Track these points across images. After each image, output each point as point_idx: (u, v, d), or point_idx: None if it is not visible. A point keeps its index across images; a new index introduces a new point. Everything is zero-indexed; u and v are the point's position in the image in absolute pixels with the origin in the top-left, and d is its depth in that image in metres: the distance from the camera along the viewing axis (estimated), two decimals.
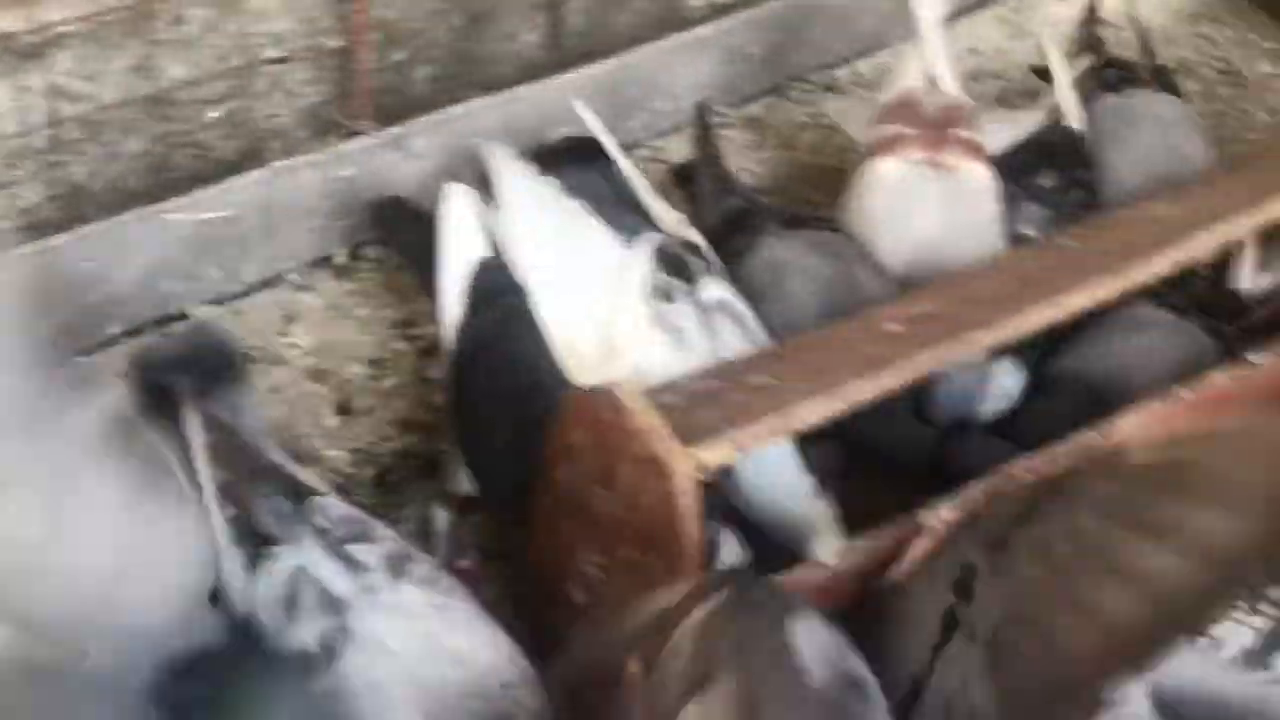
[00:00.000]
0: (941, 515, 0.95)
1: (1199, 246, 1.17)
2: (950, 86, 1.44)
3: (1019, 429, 1.28)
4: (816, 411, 0.93)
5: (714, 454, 0.89)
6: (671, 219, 1.31)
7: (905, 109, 1.41)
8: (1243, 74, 2.09)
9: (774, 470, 1.06)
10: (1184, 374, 1.22)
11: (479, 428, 1.18)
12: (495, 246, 1.20)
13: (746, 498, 1.05)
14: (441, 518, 1.23)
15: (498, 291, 1.18)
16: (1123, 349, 1.29)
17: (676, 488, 0.86)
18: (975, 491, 0.99)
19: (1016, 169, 1.44)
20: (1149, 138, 1.51)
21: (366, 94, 1.44)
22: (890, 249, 1.34)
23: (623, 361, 1.08)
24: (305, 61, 1.43)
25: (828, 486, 1.36)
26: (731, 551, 0.96)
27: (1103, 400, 1.23)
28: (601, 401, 0.93)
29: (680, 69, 1.73)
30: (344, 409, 1.38)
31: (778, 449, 1.04)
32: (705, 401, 0.94)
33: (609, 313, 1.14)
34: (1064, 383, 1.29)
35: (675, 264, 1.22)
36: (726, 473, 1.01)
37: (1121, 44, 1.99)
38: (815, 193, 1.72)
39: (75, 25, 1.25)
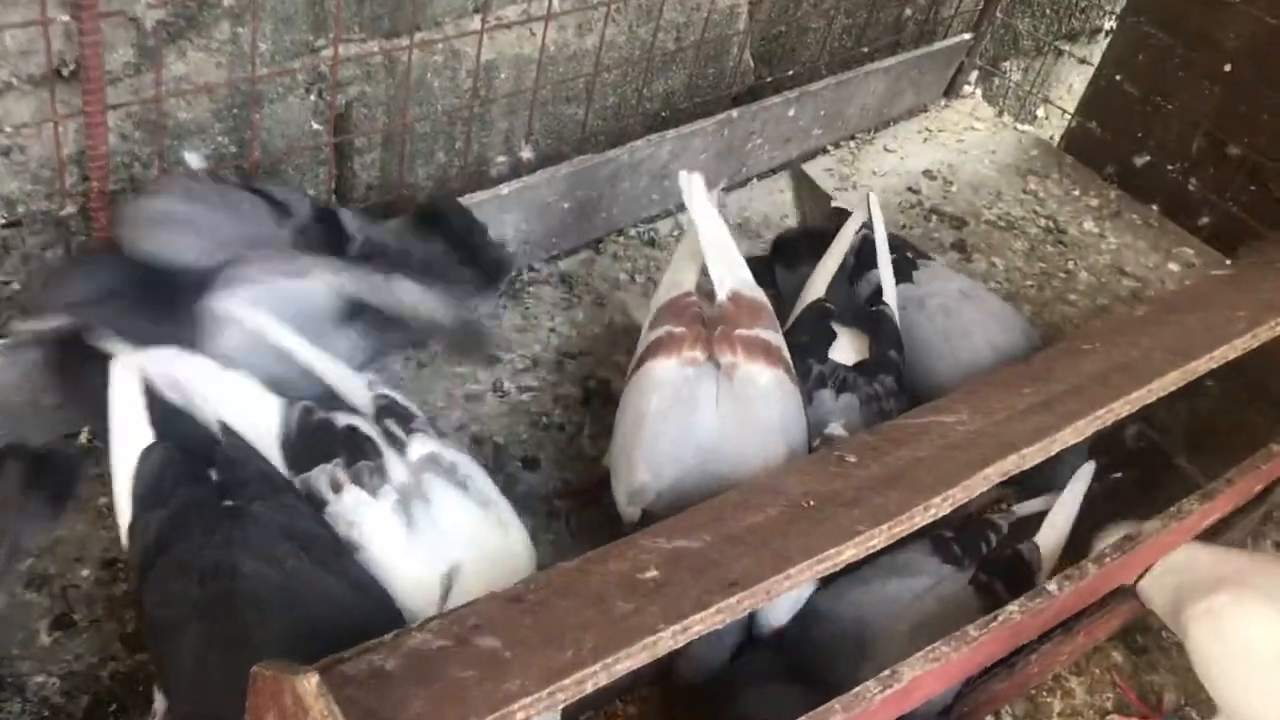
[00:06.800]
0: None
1: (984, 479, 1.08)
2: (732, 282, 1.32)
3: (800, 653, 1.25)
4: (538, 708, 0.81)
5: None
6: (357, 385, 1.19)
7: (681, 308, 1.30)
8: (1068, 232, 2.09)
9: None
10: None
11: (164, 642, 1.04)
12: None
13: None
14: None
15: (169, 485, 1.06)
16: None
17: None
18: None
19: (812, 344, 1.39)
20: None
21: None
22: (670, 452, 1.22)
23: None
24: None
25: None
26: None
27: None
28: (284, 688, 0.80)
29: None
30: (62, 622, 1.22)
31: None
32: (412, 679, 0.82)
33: None
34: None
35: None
36: None
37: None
38: (623, 354, 1.64)
39: None
